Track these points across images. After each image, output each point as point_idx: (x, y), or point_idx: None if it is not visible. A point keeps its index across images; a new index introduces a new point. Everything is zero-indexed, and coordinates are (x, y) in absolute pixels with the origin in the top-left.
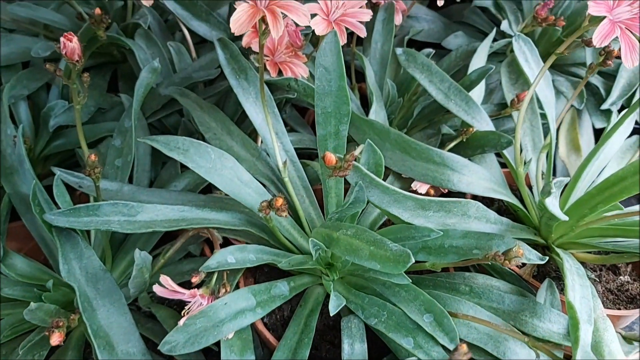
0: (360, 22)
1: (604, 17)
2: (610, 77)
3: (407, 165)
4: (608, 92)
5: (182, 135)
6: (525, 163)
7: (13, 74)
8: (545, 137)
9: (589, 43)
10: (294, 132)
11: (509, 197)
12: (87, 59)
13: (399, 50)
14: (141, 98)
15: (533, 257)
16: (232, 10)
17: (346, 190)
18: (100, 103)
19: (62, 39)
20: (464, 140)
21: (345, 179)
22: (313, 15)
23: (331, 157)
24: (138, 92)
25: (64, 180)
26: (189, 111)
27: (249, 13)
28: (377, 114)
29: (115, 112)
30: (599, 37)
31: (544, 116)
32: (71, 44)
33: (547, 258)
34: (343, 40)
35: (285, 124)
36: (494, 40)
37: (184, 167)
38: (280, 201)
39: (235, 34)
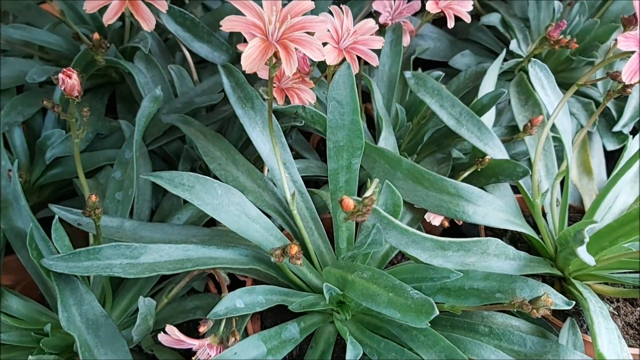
0: (372, 49)
1: (634, 51)
2: (621, 97)
3: (419, 195)
4: (620, 113)
5: (185, 163)
6: (542, 194)
7: (7, 98)
8: (558, 161)
9: (615, 77)
10: (301, 159)
11: (525, 229)
12: (84, 81)
13: (408, 74)
14: (143, 128)
15: (559, 301)
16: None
17: (357, 223)
18: (98, 128)
19: (60, 75)
20: (478, 169)
21: None
22: (323, 44)
23: (349, 203)
24: (140, 122)
25: (61, 217)
26: (191, 139)
27: (261, 49)
28: (387, 140)
29: (114, 139)
30: (628, 72)
31: (555, 138)
32: (70, 81)
33: (574, 303)
34: (355, 69)
35: (291, 149)
36: (506, 60)
37: None
38: (295, 249)
39: (247, 72)
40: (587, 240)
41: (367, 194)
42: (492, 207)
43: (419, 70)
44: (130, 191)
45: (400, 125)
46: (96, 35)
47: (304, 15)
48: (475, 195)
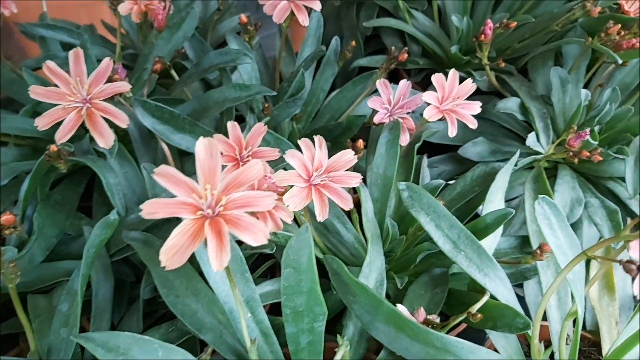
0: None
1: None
2: None
3: (402, 344)
4: None
5: (148, 279)
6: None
7: None
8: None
9: (629, 270)
10: (271, 279)
11: None
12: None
13: (401, 185)
14: (91, 261)
15: None
16: None
17: None
18: (65, 228)
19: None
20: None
21: None
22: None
23: None
24: (88, 253)
25: None
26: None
27: (191, 232)
28: (372, 265)
29: (82, 242)
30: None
31: None
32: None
33: None
34: (325, 215)
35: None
36: (522, 154)
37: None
38: None
39: (168, 269)
40: None
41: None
42: None
43: (424, 158)
44: (74, 330)
45: (393, 238)
46: (53, 147)
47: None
48: (466, 351)
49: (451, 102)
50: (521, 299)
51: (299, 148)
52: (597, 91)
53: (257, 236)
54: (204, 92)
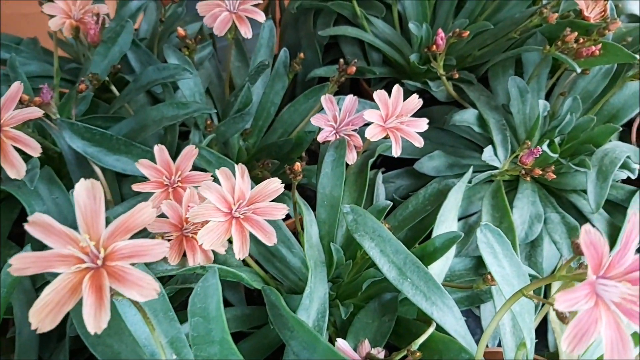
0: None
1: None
2: (619, 207)
3: None
4: (613, 239)
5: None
6: None
7: None
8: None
9: (562, 318)
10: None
11: None
12: None
13: (345, 208)
14: (4, 301)
15: None
16: None
17: None
18: None
19: None
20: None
21: None
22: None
23: None
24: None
25: None
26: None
27: (68, 288)
28: (314, 293)
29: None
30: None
31: None
32: None
33: None
34: (245, 252)
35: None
36: (480, 168)
37: None
38: None
39: (38, 330)
40: None
41: None
42: None
43: (379, 174)
44: None
45: (339, 263)
46: None
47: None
48: None
49: (396, 119)
50: (478, 319)
51: (248, 165)
52: (560, 100)
53: (144, 291)
54: (150, 105)
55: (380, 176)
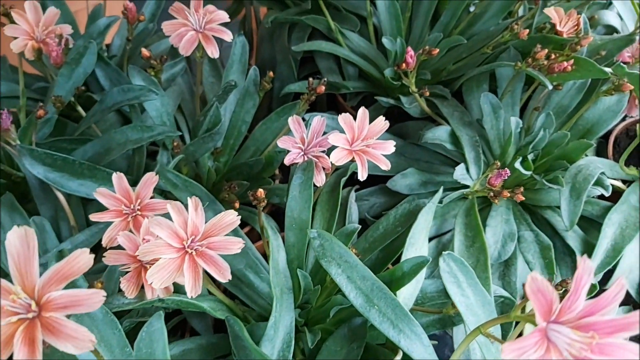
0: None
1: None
2: (594, 223)
3: None
4: (588, 257)
5: None
6: None
7: None
8: None
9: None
10: (181, 339)
11: None
12: None
13: (312, 233)
14: None
15: None
16: None
17: None
18: None
19: None
20: None
21: None
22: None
23: None
24: None
25: None
26: None
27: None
28: (279, 322)
29: None
30: None
31: None
32: None
33: None
34: (197, 291)
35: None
36: (446, 189)
37: None
38: None
39: None
40: None
41: None
42: None
43: (352, 192)
44: None
45: (307, 289)
46: None
47: None
48: None
49: (362, 142)
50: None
51: (218, 185)
52: (534, 115)
53: (80, 343)
54: (119, 124)
55: (353, 195)
